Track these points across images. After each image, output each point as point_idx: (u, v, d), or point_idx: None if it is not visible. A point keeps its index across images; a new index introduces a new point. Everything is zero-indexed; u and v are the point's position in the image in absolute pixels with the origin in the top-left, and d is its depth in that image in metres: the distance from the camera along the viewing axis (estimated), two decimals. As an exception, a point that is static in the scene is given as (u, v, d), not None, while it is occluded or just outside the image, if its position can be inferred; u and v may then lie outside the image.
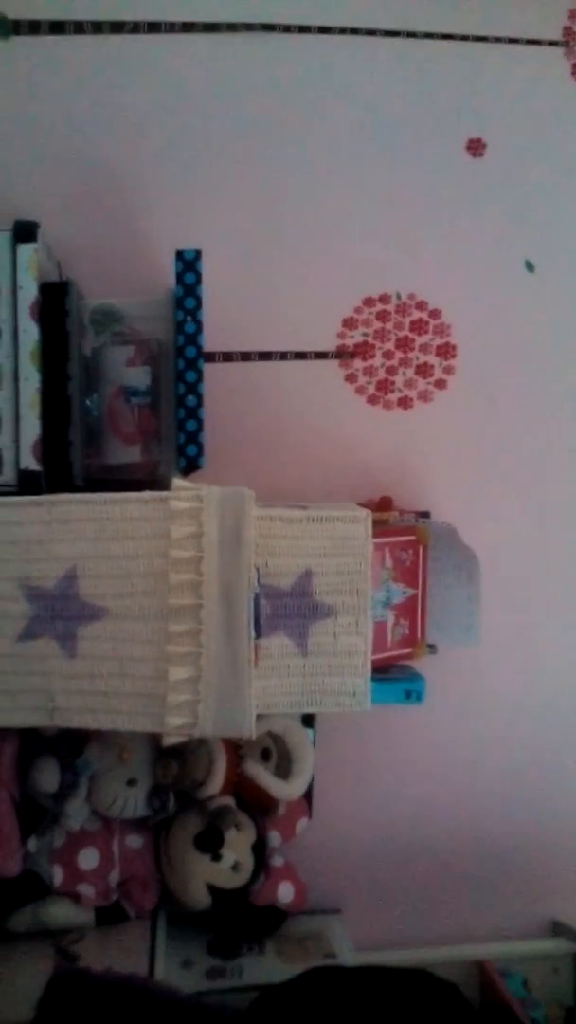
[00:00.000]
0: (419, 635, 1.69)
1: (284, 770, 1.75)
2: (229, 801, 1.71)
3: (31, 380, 1.50)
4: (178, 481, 1.36)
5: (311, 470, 1.91)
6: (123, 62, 1.84)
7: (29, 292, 1.50)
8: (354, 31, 1.91)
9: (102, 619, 1.37)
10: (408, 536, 1.67)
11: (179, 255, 1.58)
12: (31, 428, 1.50)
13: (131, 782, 1.65)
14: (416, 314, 1.96)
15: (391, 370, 1.96)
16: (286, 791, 1.74)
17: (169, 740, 1.36)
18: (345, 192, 1.92)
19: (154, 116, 1.85)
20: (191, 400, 1.59)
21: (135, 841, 1.73)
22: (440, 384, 1.97)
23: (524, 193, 1.98)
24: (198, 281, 1.58)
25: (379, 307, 1.95)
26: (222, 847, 1.67)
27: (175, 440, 1.61)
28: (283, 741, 1.75)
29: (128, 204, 1.84)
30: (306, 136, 1.90)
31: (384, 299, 1.95)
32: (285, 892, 1.76)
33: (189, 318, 1.58)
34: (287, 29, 1.89)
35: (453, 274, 1.97)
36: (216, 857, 1.67)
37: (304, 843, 1.85)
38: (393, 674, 1.71)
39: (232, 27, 1.86)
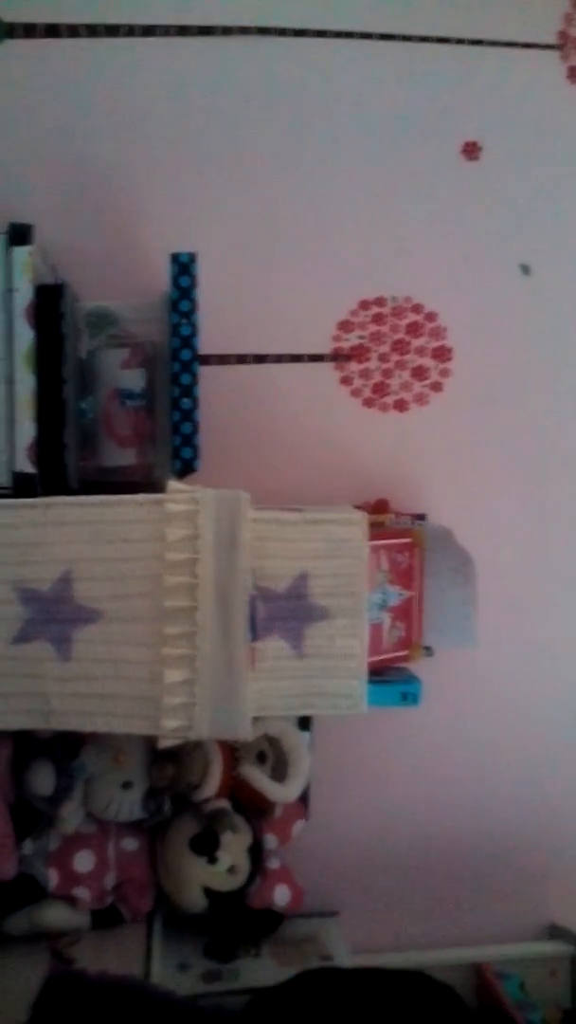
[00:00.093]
0: (415, 637, 1.69)
1: (280, 773, 1.75)
2: (225, 804, 1.71)
3: (26, 383, 1.50)
4: (173, 484, 1.36)
5: (307, 473, 1.91)
6: (118, 65, 1.84)
7: (24, 295, 1.50)
8: (350, 35, 1.91)
9: (97, 622, 1.37)
10: (404, 538, 1.67)
11: (174, 258, 1.58)
12: (26, 431, 1.50)
13: (127, 785, 1.65)
14: (412, 317, 1.96)
15: (387, 373, 1.96)
16: (282, 794, 1.74)
17: (165, 743, 1.36)
18: (341, 195, 1.92)
19: (150, 119, 1.85)
20: (186, 403, 1.59)
21: (131, 844, 1.72)
22: (436, 387, 1.97)
23: (519, 196, 1.98)
24: (193, 284, 1.58)
25: (375, 310, 1.95)
26: (218, 850, 1.66)
27: (170, 443, 1.61)
28: (279, 744, 1.75)
29: (123, 207, 1.84)
30: (302, 139, 1.90)
31: (380, 302, 1.95)
32: (281, 895, 1.76)
33: (184, 321, 1.58)
34: (283, 32, 1.89)
35: (449, 277, 1.97)
36: (212, 860, 1.67)
37: (300, 846, 1.85)
38: (389, 676, 1.71)
39: (227, 30, 1.86)
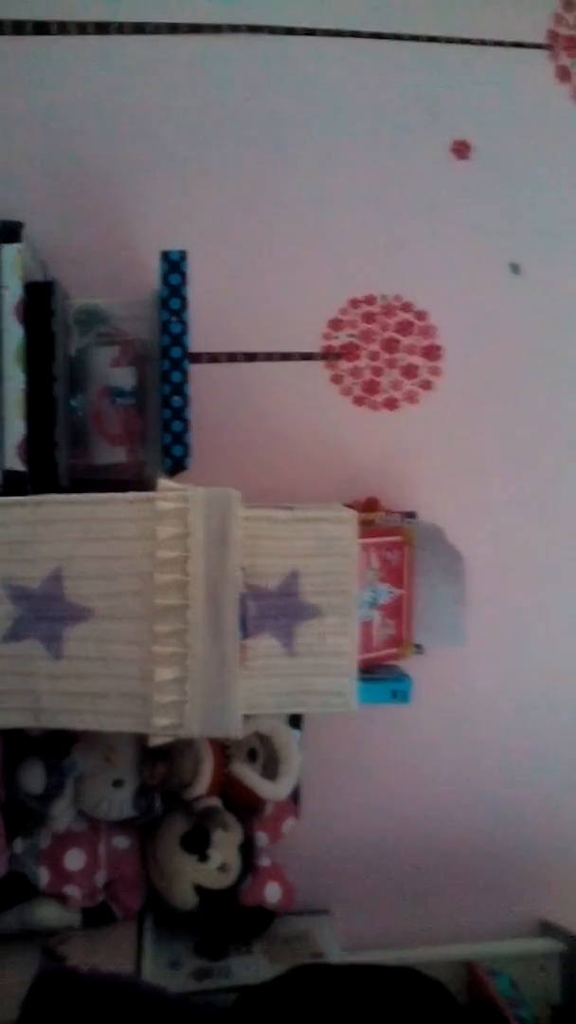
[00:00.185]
0: (405, 635, 1.69)
1: (271, 770, 1.75)
2: (216, 802, 1.71)
3: (15, 380, 1.50)
4: (164, 482, 1.36)
5: (297, 471, 1.91)
6: (108, 63, 1.84)
7: (14, 292, 1.50)
8: (339, 33, 1.91)
9: (88, 620, 1.36)
10: (394, 536, 1.67)
11: (164, 256, 1.58)
12: (16, 429, 1.50)
13: (117, 783, 1.65)
14: (402, 315, 1.97)
15: (377, 371, 1.96)
16: (273, 791, 1.74)
17: (155, 741, 1.36)
18: (331, 193, 1.93)
19: (139, 117, 1.85)
20: (177, 401, 1.59)
21: (122, 842, 1.72)
22: (426, 385, 1.98)
23: (509, 195, 1.99)
24: (183, 282, 1.58)
25: (365, 308, 1.95)
26: (209, 848, 1.67)
27: (161, 441, 1.61)
28: (270, 741, 1.75)
29: (113, 204, 1.84)
30: (292, 138, 1.91)
31: (370, 300, 1.95)
32: (272, 892, 1.76)
33: (174, 319, 1.58)
34: (273, 31, 1.89)
35: (439, 276, 1.98)
36: (203, 858, 1.67)
37: (291, 843, 1.85)
38: (379, 674, 1.71)
39: (218, 28, 1.86)
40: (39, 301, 1.55)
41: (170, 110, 1.86)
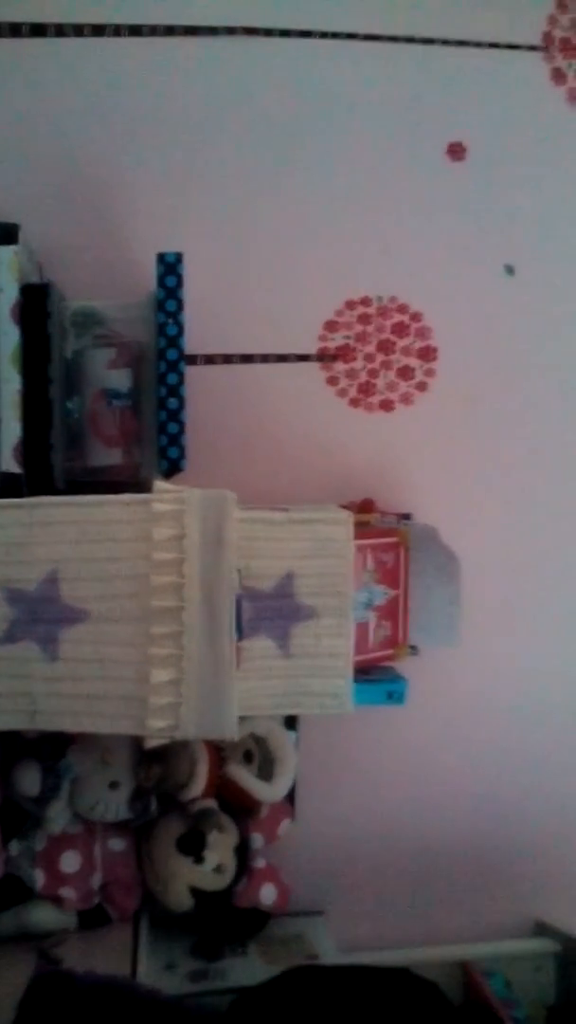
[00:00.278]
0: (400, 637, 1.69)
1: (267, 772, 1.75)
2: (212, 803, 1.71)
3: (12, 383, 1.50)
4: (160, 483, 1.36)
5: (293, 472, 1.92)
6: (104, 65, 1.84)
7: (9, 294, 1.50)
8: (335, 35, 1.91)
9: (84, 622, 1.36)
10: (390, 538, 1.67)
11: (160, 258, 1.58)
12: (12, 431, 1.50)
13: (113, 785, 1.65)
14: (397, 317, 1.97)
15: (372, 373, 1.96)
16: (269, 793, 1.74)
17: (151, 743, 1.36)
18: (327, 195, 1.93)
19: (136, 119, 1.85)
20: (173, 402, 1.59)
21: (117, 844, 1.72)
22: (421, 387, 1.98)
23: (504, 197, 1.99)
24: (179, 284, 1.58)
25: (360, 310, 1.96)
26: (204, 849, 1.67)
27: (157, 443, 1.61)
28: (266, 743, 1.75)
29: (110, 206, 1.84)
30: (287, 139, 1.91)
31: (365, 302, 1.95)
32: (268, 894, 1.76)
33: (170, 320, 1.58)
34: (269, 33, 1.89)
35: (434, 277, 1.98)
36: (199, 859, 1.67)
37: (287, 845, 1.85)
38: (375, 675, 1.71)
39: (214, 31, 1.86)
40: (35, 303, 1.55)
41: (166, 112, 1.86)
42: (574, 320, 2.03)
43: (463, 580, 1.75)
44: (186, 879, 1.67)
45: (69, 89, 1.83)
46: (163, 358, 1.59)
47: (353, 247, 1.95)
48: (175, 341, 1.59)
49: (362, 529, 1.56)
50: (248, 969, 1.69)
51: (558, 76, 2.00)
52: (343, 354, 1.95)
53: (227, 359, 1.90)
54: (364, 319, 1.96)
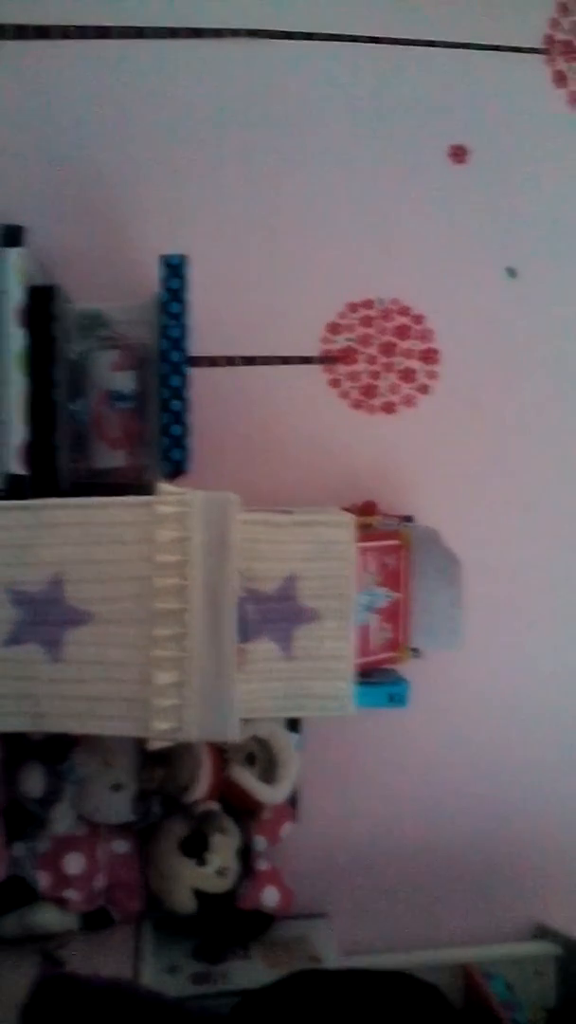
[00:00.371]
0: (402, 639, 1.69)
1: (269, 774, 1.75)
2: (214, 806, 1.71)
3: (17, 385, 1.50)
4: (163, 485, 1.36)
5: (296, 475, 1.92)
6: (108, 67, 1.84)
7: (15, 296, 1.50)
8: (338, 38, 1.92)
9: (88, 624, 1.36)
10: (392, 540, 1.67)
11: (164, 260, 1.58)
12: (17, 433, 1.50)
13: (116, 787, 1.65)
14: (399, 319, 1.97)
15: (375, 375, 1.97)
16: (271, 795, 1.74)
17: (154, 745, 1.36)
18: (329, 198, 1.93)
19: (140, 121, 1.86)
20: (177, 404, 1.59)
21: (121, 846, 1.72)
22: (423, 389, 1.98)
23: (506, 199, 2.00)
24: (183, 286, 1.58)
25: (363, 312, 1.96)
26: (207, 851, 1.67)
27: (160, 445, 1.61)
28: (268, 745, 1.75)
29: (114, 209, 1.84)
30: (290, 142, 1.91)
31: (368, 304, 1.96)
32: (271, 896, 1.76)
33: (174, 323, 1.58)
34: (272, 35, 1.89)
35: (436, 280, 1.98)
36: (201, 862, 1.67)
37: (290, 847, 1.85)
38: (377, 678, 1.71)
39: (218, 33, 1.87)
40: (41, 305, 1.55)
41: (170, 115, 1.86)
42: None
43: (465, 582, 1.76)
44: (189, 881, 1.67)
45: (74, 91, 1.83)
46: (167, 360, 1.59)
47: (355, 249, 1.95)
48: (179, 343, 1.59)
49: (364, 531, 1.56)
50: (251, 972, 1.69)
51: (559, 79, 2.00)
52: (345, 356, 1.96)
53: (230, 361, 1.90)
54: (366, 321, 1.96)
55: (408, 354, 1.98)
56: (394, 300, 1.96)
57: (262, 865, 1.77)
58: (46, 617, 1.37)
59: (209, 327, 1.77)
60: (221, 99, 1.88)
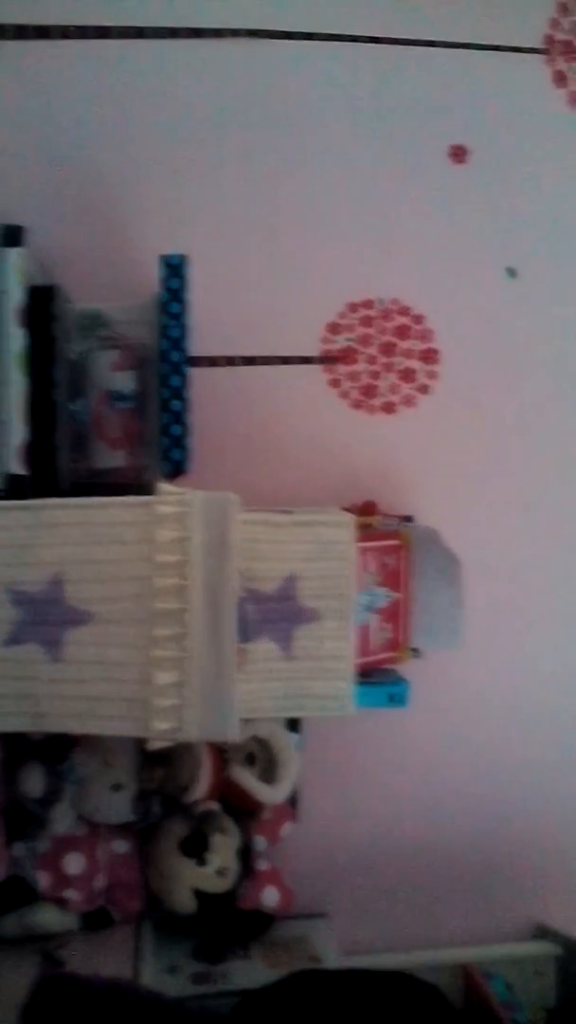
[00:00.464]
0: (402, 639, 1.69)
1: (269, 774, 1.75)
2: (214, 806, 1.71)
3: (17, 385, 1.50)
4: (164, 485, 1.36)
5: (296, 475, 1.92)
6: (109, 67, 1.84)
7: (15, 296, 1.50)
8: (338, 38, 1.92)
9: (88, 624, 1.36)
10: (392, 540, 1.67)
11: (164, 260, 1.58)
12: (17, 433, 1.50)
13: (116, 787, 1.65)
14: (399, 319, 1.97)
15: (375, 375, 1.97)
16: (271, 795, 1.74)
17: (154, 745, 1.36)
18: (329, 198, 1.93)
19: (140, 121, 1.86)
20: (177, 404, 1.59)
21: (121, 846, 1.72)
22: (423, 389, 1.98)
23: (506, 199, 2.00)
24: (183, 286, 1.58)
25: (363, 312, 1.96)
26: (207, 851, 1.67)
27: (160, 444, 1.61)
28: (268, 745, 1.75)
29: (114, 208, 1.84)
30: (290, 142, 1.91)
31: (368, 304, 1.96)
32: (271, 896, 1.76)
33: (174, 323, 1.58)
34: (272, 35, 1.89)
35: (437, 280, 1.98)
36: (201, 862, 1.67)
37: (290, 847, 1.85)
38: (377, 678, 1.71)
39: (218, 33, 1.87)
40: (41, 305, 1.55)
41: (170, 114, 1.86)
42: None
43: (465, 582, 1.76)
44: (189, 881, 1.67)
45: (74, 91, 1.83)
46: (167, 360, 1.59)
47: (356, 249, 1.95)
48: (179, 343, 1.59)
49: (364, 531, 1.56)
50: (251, 971, 1.69)
51: (559, 79, 2.00)
52: (345, 356, 1.96)
53: (230, 361, 1.90)
54: (366, 321, 1.96)
55: (408, 354, 1.98)
56: (394, 300, 1.97)
57: (262, 865, 1.77)
58: (46, 617, 1.37)
59: (209, 327, 1.77)
60: (221, 99, 1.88)
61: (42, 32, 1.81)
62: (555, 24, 2.00)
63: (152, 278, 1.61)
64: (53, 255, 1.72)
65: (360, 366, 1.96)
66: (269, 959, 1.74)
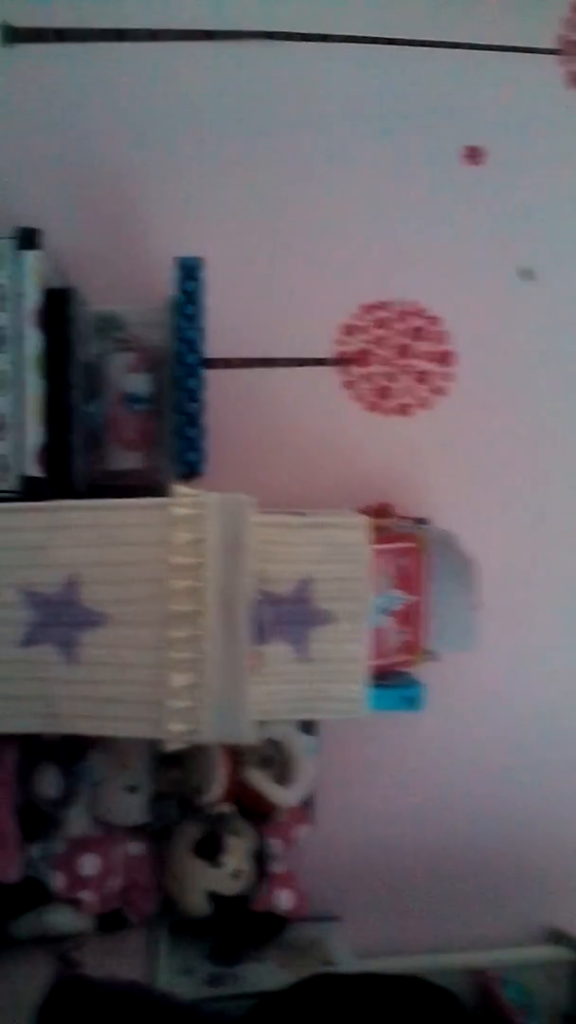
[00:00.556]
0: (418, 642, 1.69)
1: (284, 777, 1.75)
2: (229, 808, 1.71)
3: (34, 387, 1.50)
4: (179, 487, 1.37)
5: (310, 477, 1.91)
6: (125, 69, 1.84)
7: (31, 299, 1.50)
8: (353, 39, 1.91)
9: (103, 625, 1.37)
10: (407, 543, 1.67)
11: (180, 262, 1.58)
12: (33, 435, 1.50)
13: (132, 789, 1.65)
14: (415, 321, 1.97)
15: (390, 377, 1.96)
16: (286, 798, 1.74)
17: (170, 747, 1.37)
18: (344, 199, 1.93)
19: (156, 123, 1.86)
20: (192, 407, 1.59)
21: (136, 848, 1.72)
22: (439, 391, 1.98)
23: (522, 200, 1.99)
24: (199, 288, 1.58)
25: (378, 314, 1.96)
26: (222, 854, 1.67)
27: (176, 446, 1.61)
28: (283, 748, 1.75)
29: (130, 211, 1.84)
30: (305, 143, 1.91)
31: (383, 306, 1.95)
32: (285, 899, 1.76)
33: (190, 325, 1.58)
34: (287, 37, 1.89)
35: (452, 281, 1.97)
36: (216, 864, 1.67)
37: (304, 850, 1.85)
38: (392, 681, 1.70)
39: (232, 35, 1.87)
40: (57, 308, 1.56)
41: (187, 117, 1.87)
42: (592, 324, 2.03)
43: (481, 585, 1.75)
44: (204, 883, 1.67)
45: (91, 94, 1.83)
46: (182, 362, 1.59)
47: (370, 251, 1.95)
48: (194, 345, 1.59)
49: (379, 534, 1.56)
50: (265, 974, 1.70)
51: (574, 79, 1.99)
52: (360, 358, 1.95)
53: (245, 363, 1.90)
54: (381, 323, 1.96)
55: (423, 356, 1.97)
56: (409, 302, 1.96)
57: (276, 868, 1.77)
58: (61, 619, 1.37)
59: (224, 329, 1.77)
60: (235, 101, 1.88)
61: (60, 35, 1.81)
62: (569, 24, 1.99)
63: (167, 280, 1.61)
64: (69, 257, 1.72)
65: (375, 368, 1.96)
66: (283, 962, 1.74)
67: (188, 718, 1.35)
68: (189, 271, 1.58)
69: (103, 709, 1.37)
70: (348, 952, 1.81)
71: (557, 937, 2.00)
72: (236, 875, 1.68)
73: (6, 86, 1.82)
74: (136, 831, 1.71)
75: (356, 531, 1.45)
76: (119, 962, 1.62)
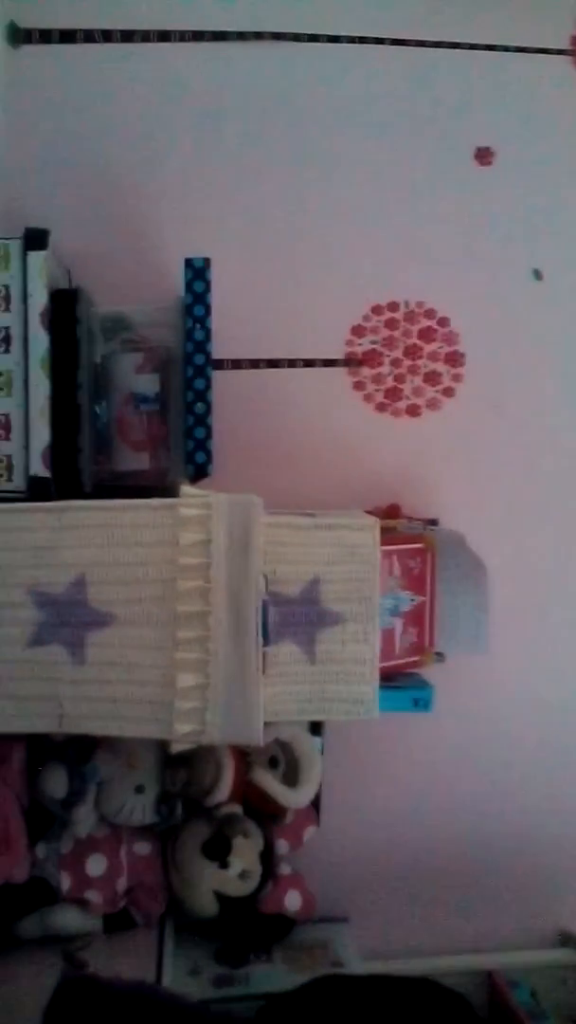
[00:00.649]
0: (427, 643, 1.68)
1: (292, 778, 1.75)
2: (237, 809, 1.71)
3: (41, 387, 1.51)
4: (187, 488, 1.36)
5: (319, 477, 1.91)
6: (133, 71, 1.85)
7: (39, 299, 1.51)
8: (363, 40, 1.91)
9: (111, 625, 1.37)
10: (416, 544, 1.67)
11: (188, 263, 1.59)
12: (41, 435, 1.51)
13: (139, 789, 1.65)
14: (424, 322, 1.96)
15: (399, 378, 1.96)
16: (294, 799, 1.73)
17: (177, 747, 1.36)
18: (354, 200, 1.93)
19: (164, 124, 1.86)
20: (200, 407, 1.59)
21: (143, 848, 1.72)
22: (448, 392, 1.97)
23: (532, 201, 1.98)
24: (207, 289, 1.59)
25: (387, 315, 1.95)
26: (230, 855, 1.66)
27: (184, 447, 1.61)
28: (291, 749, 1.75)
29: (138, 212, 1.85)
30: (315, 145, 1.91)
31: (392, 307, 1.95)
32: (293, 900, 1.76)
33: (198, 325, 1.59)
34: (296, 38, 1.89)
35: (462, 282, 1.97)
36: (224, 865, 1.66)
37: (312, 851, 1.84)
38: (401, 682, 1.70)
39: (242, 36, 1.87)
40: (64, 308, 1.56)
41: (194, 117, 1.87)
42: (602, 325, 2.02)
43: (490, 586, 1.74)
44: (211, 884, 1.66)
45: (98, 95, 1.84)
46: (190, 363, 1.59)
47: (380, 252, 1.94)
48: (202, 346, 1.59)
49: (388, 535, 1.56)
50: (272, 975, 1.69)
51: (586, 80, 1.99)
52: (370, 359, 1.95)
53: (254, 364, 1.90)
54: (391, 324, 1.95)
55: (433, 357, 1.97)
56: (419, 303, 1.96)
57: (284, 869, 1.76)
58: (69, 619, 1.37)
59: (232, 330, 1.77)
60: (244, 101, 1.88)
61: (67, 36, 1.82)
62: (582, 25, 1.98)
63: (176, 281, 1.61)
64: (77, 258, 1.73)
65: (384, 369, 1.96)
66: (291, 963, 1.73)
67: (196, 719, 1.34)
68: (198, 272, 1.58)
69: (111, 709, 1.37)
70: (356, 954, 1.80)
71: (567, 940, 1.99)
72: (244, 876, 1.68)
73: (13, 87, 1.82)
74: (143, 831, 1.72)
75: (365, 532, 1.44)
76: (126, 962, 1.61)
